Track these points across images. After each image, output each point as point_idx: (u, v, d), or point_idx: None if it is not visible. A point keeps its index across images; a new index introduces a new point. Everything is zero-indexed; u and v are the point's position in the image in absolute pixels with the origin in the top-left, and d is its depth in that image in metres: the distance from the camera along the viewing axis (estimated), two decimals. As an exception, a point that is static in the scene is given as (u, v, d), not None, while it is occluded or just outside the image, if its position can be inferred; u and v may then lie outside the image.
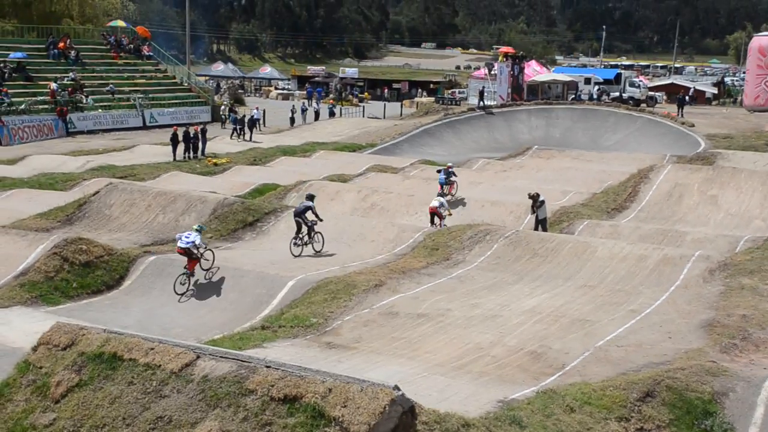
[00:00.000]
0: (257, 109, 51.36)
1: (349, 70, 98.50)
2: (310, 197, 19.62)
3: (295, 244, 18.79)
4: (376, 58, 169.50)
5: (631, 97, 58.82)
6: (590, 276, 16.91)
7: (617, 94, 59.00)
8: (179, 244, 16.43)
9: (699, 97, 65.82)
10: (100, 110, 46.50)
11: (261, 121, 48.83)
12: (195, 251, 16.38)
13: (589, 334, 13.08)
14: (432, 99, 69.89)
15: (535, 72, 60.05)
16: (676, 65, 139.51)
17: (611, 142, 42.66)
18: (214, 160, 34.58)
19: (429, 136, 44.88)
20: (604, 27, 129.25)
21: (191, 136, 36.11)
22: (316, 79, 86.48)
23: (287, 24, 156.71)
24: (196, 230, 16.79)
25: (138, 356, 8.71)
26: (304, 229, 18.95)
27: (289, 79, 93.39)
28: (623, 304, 14.92)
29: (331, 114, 57.23)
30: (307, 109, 55.75)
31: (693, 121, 44.68)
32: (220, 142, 41.09)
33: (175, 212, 22.11)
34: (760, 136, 40.45)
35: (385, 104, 65.63)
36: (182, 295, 16.10)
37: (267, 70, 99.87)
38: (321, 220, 19.18)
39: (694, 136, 40.74)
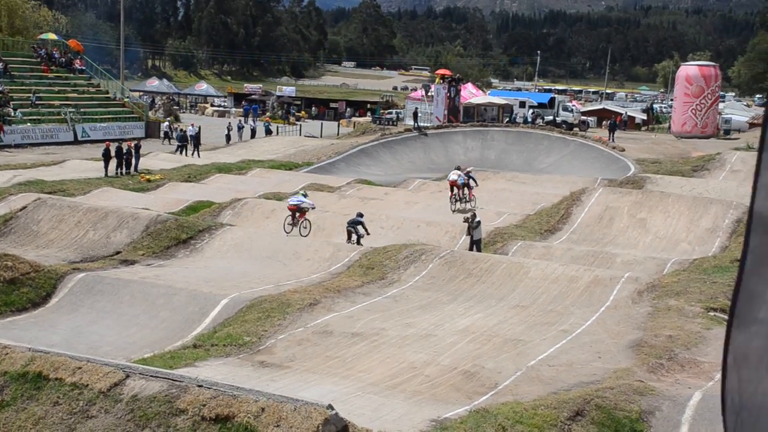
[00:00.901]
0: (193, 125, 50.84)
1: (287, 88, 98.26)
2: (361, 215, 23.23)
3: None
4: (314, 77, 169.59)
5: (564, 121, 59.94)
6: (523, 296, 17.12)
7: (551, 117, 60.06)
8: (291, 202, 23.16)
9: (629, 123, 67.52)
10: (28, 124, 45.44)
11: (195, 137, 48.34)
12: (303, 206, 22.68)
13: (521, 354, 13.22)
14: (369, 119, 70.19)
15: (471, 94, 60.84)
16: (608, 91, 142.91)
17: (545, 165, 43.42)
18: (148, 177, 34.05)
19: (366, 155, 45.02)
20: (538, 52, 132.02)
21: (124, 151, 35.52)
22: (253, 96, 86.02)
23: (224, 41, 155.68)
24: (303, 195, 23.64)
25: (64, 375, 8.48)
26: (354, 237, 22.58)
27: (225, 97, 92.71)
28: (555, 324, 15.13)
29: (268, 132, 56.91)
30: (243, 127, 55.36)
31: (623, 146, 45.78)
32: (154, 158, 40.51)
33: (106, 229, 21.68)
34: (686, 162, 41.67)
35: (322, 123, 65.65)
36: (288, 233, 22.09)
37: (203, 87, 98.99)
38: (369, 234, 22.49)
39: (625, 161, 41.72)
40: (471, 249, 21.73)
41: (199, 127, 47.44)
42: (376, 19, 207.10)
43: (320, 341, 13.70)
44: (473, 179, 28.93)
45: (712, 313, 14.80)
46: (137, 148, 36.68)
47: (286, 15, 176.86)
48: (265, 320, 14.43)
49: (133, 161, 35.86)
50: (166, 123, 52.47)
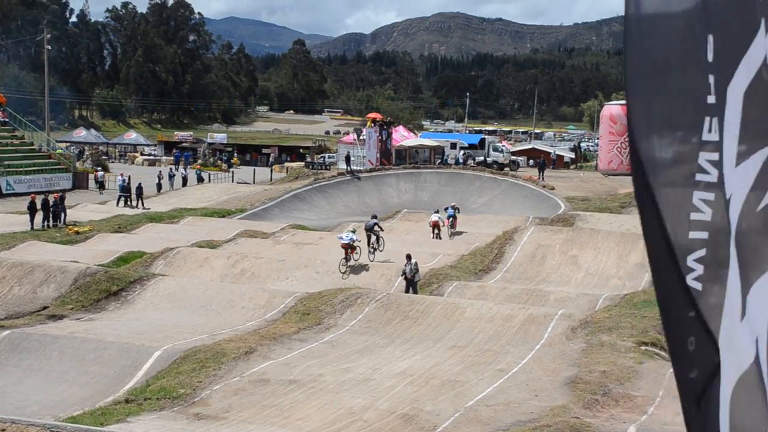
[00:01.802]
0: (122, 175, 50.12)
1: (218, 135, 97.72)
2: (375, 216, 27.96)
3: (369, 252, 26.64)
4: (245, 124, 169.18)
5: (495, 162, 60.85)
6: (460, 337, 17.17)
7: (482, 158, 60.93)
8: (343, 240, 25.02)
9: (558, 161, 68.92)
10: (-49, 177, 44.24)
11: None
12: (354, 243, 24.96)
13: (459, 395, 13.22)
14: (302, 164, 70.21)
15: (402, 137, 61.42)
16: (536, 131, 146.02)
17: (477, 205, 43.94)
18: (76, 229, 33.31)
19: (299, 200, 44.94)
20: (467, 94, 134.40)
21: (51, 203, 34.74)
22: (184, 144, 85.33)
23: (153, 89, 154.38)
24: (352, 231, 26.17)
25: (-12, 438, 8.16)
26: (373, 238, 26.43)
27: (155, 145, 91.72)
28: (491, 363, 15.20)
29: (200, 179, 56.44)
30: (174, 175, 54.78)
31: (553, 185, 46.69)
32: (83, 209, 39.73)
33: (32, 283, 21.08)
34: (614, 199, 42.65)
35: (254, 169, 65.41)
36: (344, 273, 24.25)
37: (132, 136, 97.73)
38: (383, 230, 27.23)
39: (555, 199, 42.51)
40: (407, 291, 21.77)
41: (129, 177, 46.87)
42: (306, 64, 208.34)
43: (257, 390, 13.49)
44: (458, 210, 34.91)
45: (643, 348, 15.06)
46: (63, 199, 35.93)
47: (215, 62, 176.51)
48: (200, 371, 14.16)
49: (61, 213, 35.10)
50: (101, 173, 51.88)
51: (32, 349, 15.60)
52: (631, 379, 13.40)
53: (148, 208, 41.49)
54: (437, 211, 33.58)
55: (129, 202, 42.98)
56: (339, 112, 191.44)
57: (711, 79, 2.85)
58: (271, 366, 14.77)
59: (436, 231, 32.13)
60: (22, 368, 15.29)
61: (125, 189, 43.62)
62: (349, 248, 25.08)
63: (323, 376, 14.25)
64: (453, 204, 35.39)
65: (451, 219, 33.37)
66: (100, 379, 14.73)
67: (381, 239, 26.98)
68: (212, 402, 12.95)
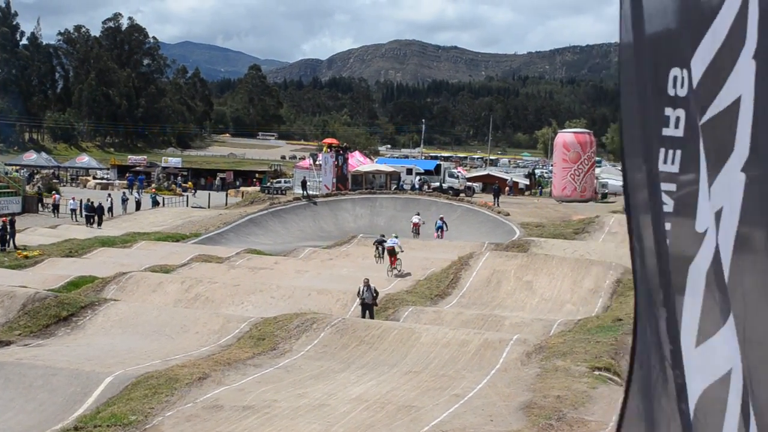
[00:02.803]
0: (74, 199, 49.44)
1: (172, 159, 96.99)
2: (396, 236, 30.60)
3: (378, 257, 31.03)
4: (200, 148, 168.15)
5: (451, 187, 61.23)
6: (415, 362, 17.13)
7: (437, 184, 61.27)
8: (388, 244, 29.31)
9: (513, 187, 69.58)
10: None
11: (77, 212, 47.17)
12: (398, 249, 28.89)
13: (414, 420, 13.17)
14: (257, 188, 69.91)
15: (358, 162, 61.56)
16: (491, 157, 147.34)
17: (432, 231, 44.08)
18: (25, 253, 32.68)
19: (255, 225, 44.70)
20: (423, 120, 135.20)
21: (-1, 227, 34.12)
22: (138, 168, 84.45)
23: (106, 113, 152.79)
24: (395, 237, 30.17)
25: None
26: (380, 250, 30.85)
27: (108, 169, 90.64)
28: (447, 388, 15.18)
29: (155, 203, 55.88)
30: (127, 199, 54.16)
31: (508, 210, 47.08)
32: (33, 233, 39.04)
33: (-21, 308, 20.59)
34: (568, 225, 43.12)
35: (209, 193, 64.95)
36: (389, 275, 28.17)
37: (84, 160, 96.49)
38: (402, 251, 29.49)
39: (510, 225, 42.85)
40: (363, 315, 21.71)
41: (81, 201, 46.18)
42: (262, 89, 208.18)
43: (210, 416, 13.29)
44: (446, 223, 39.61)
45: (597, 373, 15.18)
46: (12, 223, 35.28)
47: (170, 86, 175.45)
48: (152, 397, 13.91)
49: (9, 237, 34.43)
50: (58, 197, 51.60)
51: (-21, 376, 15.20)
52: (585, 404, 13.48)
53: (100, 230, 41.40)
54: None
55: (92, 222, 43.67)
56: (273, 136, 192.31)
57: (673, 112, 2.91)
58: (225, 392, 14.57)
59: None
60: (-33, 396, 14.88)
61: (91, 209, 44.15)
62: (392, 254, 28.93)
63: (278, 401, 14.10)
64: (441, 216, 40.41)
65: (439, 230, 38.32)
66: (49, 407, 14.37)
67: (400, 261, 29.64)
68: (164, 429, 12.72)
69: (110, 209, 49.80)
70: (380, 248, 31.06)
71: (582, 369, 15.35)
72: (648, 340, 2.99)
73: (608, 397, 13.76)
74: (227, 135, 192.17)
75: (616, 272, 26.22)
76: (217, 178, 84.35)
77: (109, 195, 53.80)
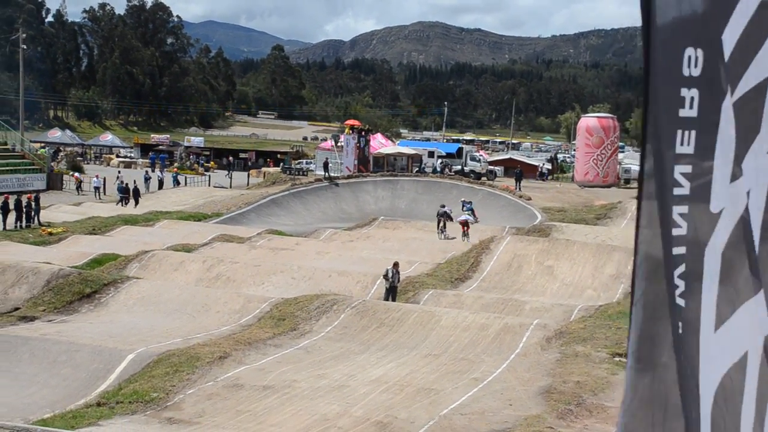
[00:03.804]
0: (97, 177, 49.80)
1: (195, 138, 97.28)
2: (444, 206, 35.25)
3: (440, 231, 34.40)
4: (223, 128, 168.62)
5: (472, 171, 61.06)
6: (435, 345, 17.16)
7: (459, 167, 61.12)
8: (461, 218, 34.37)
9: (534, 171, 69.29)
10: None
11: (101, 189, 47.56)
12: (471, 219, 34.37)
13: (434, 403, 13.21)
14: (279, 169, 70.04)
15: (380, 144, 61.49)
16: (514, 141, 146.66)
17: (454, 214, 43.98)
18: (49, 230, 32.98)
19: (276, 205, 44.82)
20: (445, 103, 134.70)
21: (24, 204, 34.39)
22: (160, 147, 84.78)
23: (130, 91, 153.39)
24: (469, 208, 36.58)
25: (-44, 440, 8.04)
26: (443, 223, 34.10)
27: (131, 147, 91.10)
28: (466, 372, 15.20)
29: (176, 183, 56.14)
30: (150, 178, 54.44)
31: (529, 195, 46.91)
32: (57, 210, 39.37)
33: (3, 284, 20.83)
34: (590, 210, 42.92)
35: (231, 173, 65.17)
36: (464, 242, 31.79)
37: (108, 138, 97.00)
38: (451, 220, 34.39)
39: (531, 209, 42.70)
40: (387, 297, 21.73)
41: (104, 179, 46.54)
42: (285, 69, 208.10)
43: (230, 395, 13.40)
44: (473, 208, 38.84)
45: (617, 359, 15.13)
46: (37, 200, 35.60)
47: (193, 65, 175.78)
48: (173, 375, 14.04)
49: (34, 214, 34.76)
50: (79, 176, 52.00)
51: (2, 351, 15.41)
52: (605, 389, 13.46)
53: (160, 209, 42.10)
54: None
55: (126, 203, 43.91)
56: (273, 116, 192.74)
57: (688, 92, 2.88)
58: (246, 371, 14.68)
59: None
60: (-8, 370, 15.09)
61: (125, 190, 44.62)
62: (466, 225, 33.63)
63: (298, 382, 14.18)
64: (463, 200, 40.09)
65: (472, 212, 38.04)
66: (72, 382, 14.55)
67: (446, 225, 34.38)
68: (185, 406, 12.85)
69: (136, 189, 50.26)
70: (442, 221, 34.89)
71: (602, 355, 15.32)
72: (654, 333, 2.98)
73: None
74: (253, 116, 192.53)
75: (639, 258, 26.02)
76: (225, 159, 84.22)
77: (118, 173, 53.93)
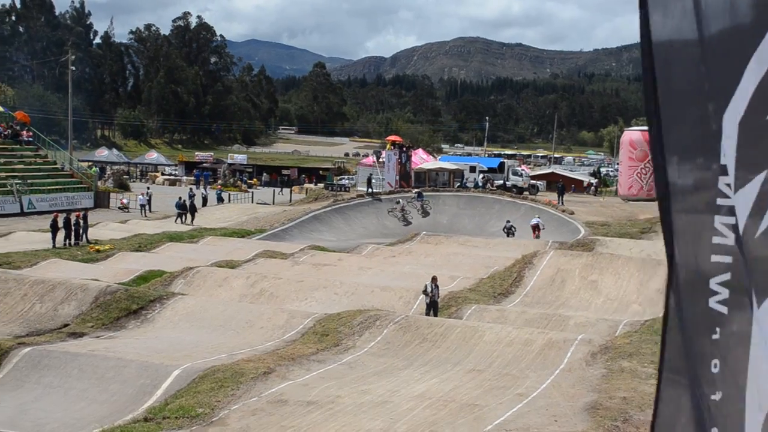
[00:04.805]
0: (143, 194, 50.57)
1: (238, 156, 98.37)
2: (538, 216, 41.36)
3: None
4: (265, 145, 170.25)
5: (515, 185, 60.83)
6: (478, 360, 17.07)
7: (501, 182, 60.92)
8: (532, 222, 39.25)
9: (577, 186, 68.83)
10: (-26, 195, 44.72)
11: (147, 207, 48.29)
12: (541, 225, 37.92)
13: (478, 419, 13.13)
14: (321, 185, 70.48)
15: (421, 160, 61.55)
16: (556, 155, 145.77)
17: (496, 229, 43.86)
18: (97, 247, 33.54)
19: (318, 221, 45.06)
20: (487, 118, 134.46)
21: (72, 222, 35.03)
22: (204, 164, 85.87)
23: (174, 110, 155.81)
24: (538, 216, 40.15)
25: (9, 454, 8.19)
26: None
27: (176, 165, 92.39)
28: (510, 387, 15.09)
29: (220, 200, 56.77)
30: (194, 195, 55.14)
31: (572, 209, 46.54)
32: (104, 228, 40.03)
33: (53, 301, 21.21)
34: (634, 224, 42.41)
35: (274, 190, 65.70)
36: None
37: (153, 156, 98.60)
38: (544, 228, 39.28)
39: (574, 224, 42.34)
40: (428, 312, 21.70)
41: (150, 196, 47.18)
42: (327, 87, 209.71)
43: (275, 411, 13.46)
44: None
45: (665, 373, 14.90)
46: (85, 218, 36.24)
47: (236, 84, 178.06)
48: (218, 390, 14.15)
49: (82, 232, 35.38)
50: (126, 200, 52.77)
51: (52, 367, 15.67)
52: (652, 406, 13.26)
53: (204, 225, 42.92)
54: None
55: (184, 219, 44.69)
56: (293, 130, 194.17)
57: (710, 107, 2.88)
58: (290, 387, 14.74)
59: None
60: (42, 385, 15.36)
61: (182, 206, 45.40)
62: (536, 229, 38.38)
63: (341, 397, 14.21)
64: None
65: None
66: (120, 397, 14.74)
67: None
68: (230, 422, 12.93)
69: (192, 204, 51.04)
70: (509, 233, 41.09)
71: (649, 370, 15.10)
72: (705, 340, 2.96)
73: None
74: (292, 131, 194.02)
75: (685, 273, 25.62)
76: (266, 175, 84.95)
77: (192, 191, 54.76)
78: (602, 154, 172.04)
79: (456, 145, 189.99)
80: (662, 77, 2.97)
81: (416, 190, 51.74)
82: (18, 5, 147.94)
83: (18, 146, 53.85)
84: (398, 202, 48.36)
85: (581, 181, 73.17)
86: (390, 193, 50.78)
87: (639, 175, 57.58)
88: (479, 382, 15.55)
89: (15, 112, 60.25)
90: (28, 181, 48.59)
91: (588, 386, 14.88)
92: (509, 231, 41.84)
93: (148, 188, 59.16)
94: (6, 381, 15.77)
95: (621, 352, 16.67)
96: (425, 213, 48.48)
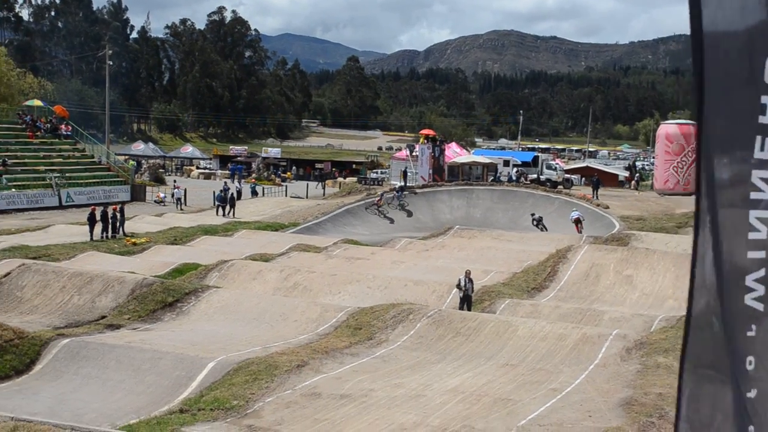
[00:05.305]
0: (178, 188, 51.01)
1: (272, 149, 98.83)
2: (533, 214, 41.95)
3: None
4: (299, 139, 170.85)
5: (549, 179, 60.44)
6: (512, 355, 17.03)
7: (535, 176, 60.56)
8: (573, 216, 39.52)
9: (611, 180, 68.22)
10: (13, 190, 45.39)
11: (183, 200, 48.71)
12: (581, 218, 38.49)
13: (511, 414, 13.11)
14: (354, 179, 70.60)
15: (455, 154, 61.37)
16: (590, 149, 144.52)
17: (530, 223, 43.62)
18: (133, 240, 33.93)
19: (351, 215, 45.16)
20: (521, 111, 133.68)
21: (110, 215, 35.47)
22: (239, 158, 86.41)
23: (209, 104, 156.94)
24: (576, 210, 40.23)
25: (49, 443, 8.34)
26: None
27: (210, 159, 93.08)
28: (544, 382, 15.03)
29: (254, 193, 57.11)
30: (228, 188, 55.49)
31: (607, 203, 46.14)
32: (140, 221, 40.47)
33: (91, 293, 21.52)
34: (670, 219, 41.97)
35: (307, 184, 65.93)
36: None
37: (188, 150, 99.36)
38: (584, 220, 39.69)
39: (609, 218, 42.00)
40: (462, 306, 21.68)
41: (185, 190, 47.58)
42: (360, 80, 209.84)
43: (308, 403, 13.55)
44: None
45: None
46: (122, 211, 36.67)
47: (270, 78, 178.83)
48: (253, 383, 14.27)
49: (119, 225, 35.80)
50: (162, 194, 53.26)
51: (90, 358, 15.91)
52: (688, 402, 13.12)
53: (239, 218, 43.27)
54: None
55: (224, 212, 45.17)
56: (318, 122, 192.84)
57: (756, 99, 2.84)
58: (323, 380, 14.82)
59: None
60: (81, 376, 15.60)
61: (222, 199, 45.95)
62: (578, 222, 38.95)
63: (374, 391, 14.25)
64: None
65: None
66: (156, 389, 14.93)
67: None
68: (264, 414, 13.04)
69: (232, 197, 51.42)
70: (540, 226, 41.59)
71: (685, 367, 14.94)
72: (741, 337, 2.93)
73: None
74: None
75: (722, 268, 25.31)
76: (302, 169, 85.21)
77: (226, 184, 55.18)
78: (638, 149, 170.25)
79: (489, 138, 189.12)
80: (710, 69, 2.94)
81: (399, 184, 50.10)
82: (57, 1, 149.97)
83: (57, 140, 54.62)
84: (380, 198, 46.80)
85: (615, 175, 72.44)
86: (423, 186, 50.72)
87: (675, 169, 56.91)
88: (512, 376, 15.52)
89: (54, 106, 61.07)
90: (67, 174, 49.27)
91: (623, 382, 14.78)
92: (539, 222, 41.99)
93: (175, 181, 59.75)
94: (46, 372, 16.05)
95: (656, 347, 16.53)
96: (406, 211, 47.05)
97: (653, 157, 75.12)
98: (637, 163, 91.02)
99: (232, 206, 45.62)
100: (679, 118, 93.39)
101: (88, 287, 21.75)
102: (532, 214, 43.18)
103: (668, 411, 12.64)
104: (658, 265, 26.61)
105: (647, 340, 17.20)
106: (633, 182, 66.98)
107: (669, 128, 59.69)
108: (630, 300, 24.89)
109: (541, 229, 42.00)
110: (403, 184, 49.49)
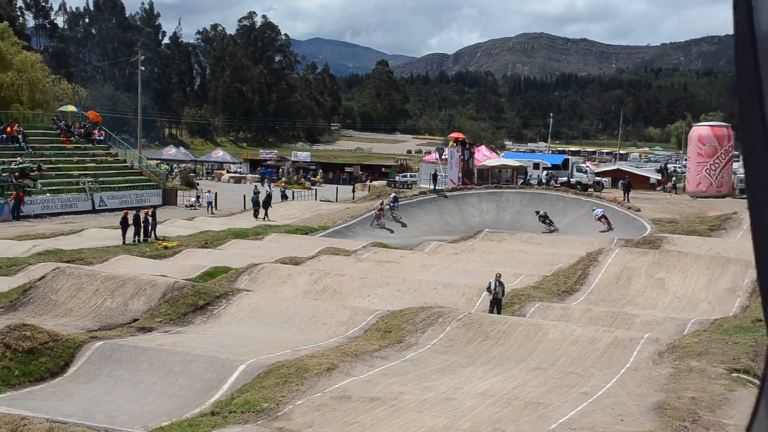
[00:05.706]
0: (209, 192, 51.39)
1: (302, 153, 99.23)
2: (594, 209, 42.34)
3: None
4: (328, 142, 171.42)
5: (579, 182, 60.07)
6: (542, 358, 16.93)
7: (565, 179, 60.22)
8: (597, 214, 40.68)
9: (642, 183, 67.63)
10: (48, 194, 46.03)
11: (213, 204, 49.06)
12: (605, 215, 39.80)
13: (542, 417, 13.04)
14: (384, 182, 70.66)
15: (484, 157, 61.27)
16: (621, 152, 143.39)
17: (560, 226, 43.39)
18: (165, 243, 34.24)
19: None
20: (551, 114, 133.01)
21: (141, 219, 35.82)
22: (269, 162, 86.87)
23: (239, 108, 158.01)
24: (598, 207, 41.58)
25: (83, 444, 8.44)
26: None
27: (241, 163, 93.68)
28: (575, 386, 14.93)
29: (283, 197, 57.39)
30: (259, 192, 55.81)
31: (638, 206, 45.75)
32: (172, 225, 40.83)
33: (123, 296, 21.74)
34: (703, 221, 41.51)
35: (337, 187, 66.09)
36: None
37: (219, 154, 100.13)
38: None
39: (640, 221, 41.62)
40: (492, 309, 21.61)
41: (216, 194, 47.86)
42: (389, 84, 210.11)
43: (338, 406, 13.58)
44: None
45: (735, 375, 14.57)
46: (154, 215, 37.02)
47: (300, 82, 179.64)
48: (283, 386, 14.33)
49: (151, 229, 36.15)
50: (193, 199, 53.68)
51: (123, 360, 16.07)
52: (723, 406, 12.98)
53: (274, 221, 43.70)
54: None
55: (258, 214, 45.66)
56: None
57: None
58: (353, 383, 14.84)
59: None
60: (114, 378, 15.77)
61: (256, 202, 46.45)
62: (604, 218, 40.49)
63: (404, 394, 14.25)
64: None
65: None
66: (187, 391, 15.04)
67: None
68: (295, 417, 13.08)
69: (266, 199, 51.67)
70: (546, 221, 42.12)
71: (719, 370, 14.78)
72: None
73: (747, 400, 13.20)
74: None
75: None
76: (332, 173, 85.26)
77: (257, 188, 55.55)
78: (670, 151, 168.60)
79: (519, 141, 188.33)
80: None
81: (393, 194, 48.87)
82: (91, 8, 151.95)
83: (90, 145, 55.31)
84: (381, 209, 44.69)
85: (647, 178, 71.82)
86: (452, 190, 50.65)
87: (708, 171, 56.36)
88: (543, 380, 15.43)
89: (87, 111, 61.89)
90: (100, 179, 49.89)
91: (655, 386, 14.64)
92: (545, 219, 42.22)
93: (197, 185, 60.18)
94: (79, 374, 16.24)
95: (689, 351, 16.35)
96: (400, 223, 45.45)
97: (685, 160, 74.34)
98: (669, 166, 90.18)
99: (266, 209, 45.87)
100: (712, 120, 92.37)
101: (121, 290, 21.97)
102: (537, 211, 43.13)
103: (702, 415, 12.51)
104: (691, 268, 26.32)
105: (680, 344, 17.02)
106: (669, 185, 66.36)
107: (701, 130, 59.13)
108: (662, 303, 24.64)
109: (548, 224, 42.07)
110: (396, 195, 48.74)
